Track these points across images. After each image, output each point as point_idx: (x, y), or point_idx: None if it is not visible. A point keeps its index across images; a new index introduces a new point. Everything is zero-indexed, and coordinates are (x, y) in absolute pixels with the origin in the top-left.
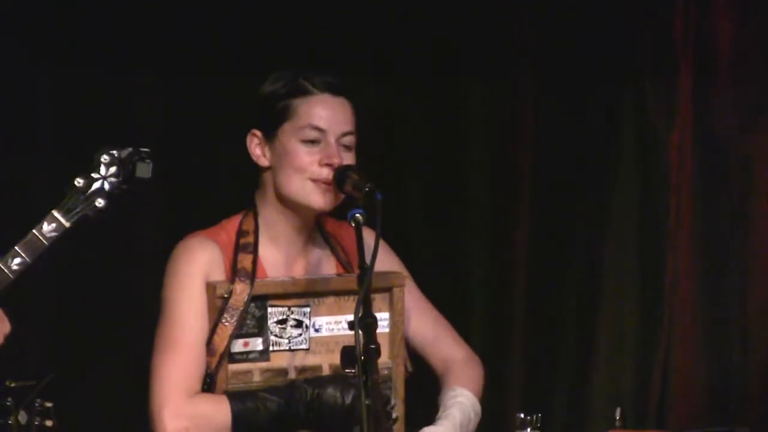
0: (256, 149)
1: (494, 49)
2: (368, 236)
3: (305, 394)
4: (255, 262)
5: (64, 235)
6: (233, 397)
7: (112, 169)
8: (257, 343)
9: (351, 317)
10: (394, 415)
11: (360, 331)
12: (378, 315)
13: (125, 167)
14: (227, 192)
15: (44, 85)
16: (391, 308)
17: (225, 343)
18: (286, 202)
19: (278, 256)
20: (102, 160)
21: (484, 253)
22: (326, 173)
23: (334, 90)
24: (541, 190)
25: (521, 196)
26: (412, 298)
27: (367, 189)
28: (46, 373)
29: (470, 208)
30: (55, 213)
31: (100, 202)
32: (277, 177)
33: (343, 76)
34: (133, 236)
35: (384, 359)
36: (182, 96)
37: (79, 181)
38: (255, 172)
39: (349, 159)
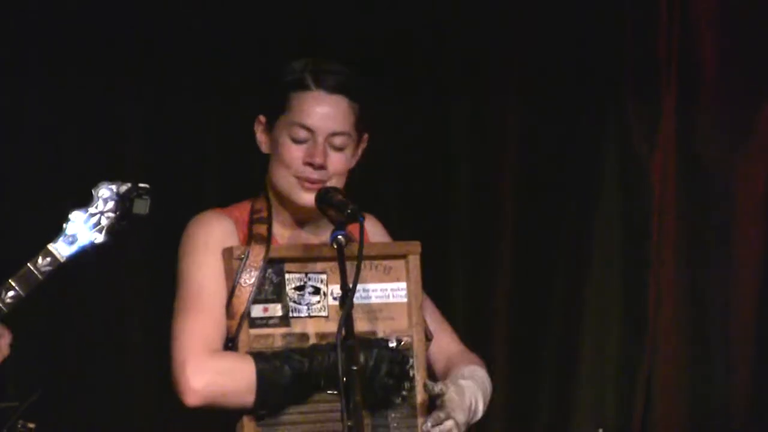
0: (261, 135)
1: (478, 73)
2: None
3: (328, 356)
4: (270, 230)
5: (59, 269)
6: (256, 355)
7: (110, 205)
8: (277, 309)
9: (367, 285)
10: (411, 374)
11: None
12: (396, 285)
13: (123, 203)
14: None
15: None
16: (408, 277)
17: (244, 305)
18: (278, 191)
19: (290, 232)
20: (100, 195)
21: (465, 273)
22: (309, 172)
23: (331, 88)
24: (523, 212)
25: (504, 217)
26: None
27: (349, 211)
28: (29, 394)
29: (452, 234)
30: (51, 247)
31: (97, 238)
32: (271, 167)
33: (354, 73)
34: (120, 258)
35: (404, 327)
36: (168, 114)
37: (76, 216)
38: (263, 156)
39: (338, 160)
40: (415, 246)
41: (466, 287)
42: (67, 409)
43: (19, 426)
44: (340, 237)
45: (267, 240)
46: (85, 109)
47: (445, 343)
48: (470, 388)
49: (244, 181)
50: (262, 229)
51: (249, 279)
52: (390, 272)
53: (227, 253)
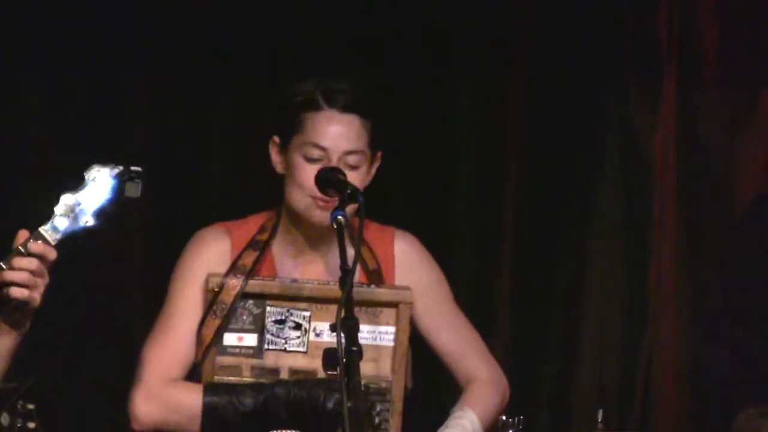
0: (276, 156)
1: (480, 56)
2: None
3: (286, 394)
4: (258, 260)
5: None
6: (210, 387)
7: (102, 188)
8: (251, 339)
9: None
10: (377, 421)
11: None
12: (384, 328)
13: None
14: (217, 201)
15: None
16: (397, 324)
17: (211, 335)
18: (293, 211)
19: (293, 255)
20: (91, 177)
21: (468, 255)
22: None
23: (343, 107)
24: (525, 193)
25: (504, 216)
26: (443, 309)
27: (349, 191)
28: (29, 375)
29: (454, 216)
30: (42, 230)
31: (88, 221)
32: (286, 187)
33: (364, 91)
34: (119, 242)
35: (385, 373)
36: (172, 103)
37: (66, 198)
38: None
39: (353, 179)
40: (407, 295)
41: (466, 287)
42: (67, 391)
43: (19, 407)
44: (339, 217)
45: (248, 273)
46: (86, 103)
47: (470, 364)
48: None
49: (245, 180)
50: (249, 258)
51: (220, 312)
52: (379, 315)
53: (206, 282)
